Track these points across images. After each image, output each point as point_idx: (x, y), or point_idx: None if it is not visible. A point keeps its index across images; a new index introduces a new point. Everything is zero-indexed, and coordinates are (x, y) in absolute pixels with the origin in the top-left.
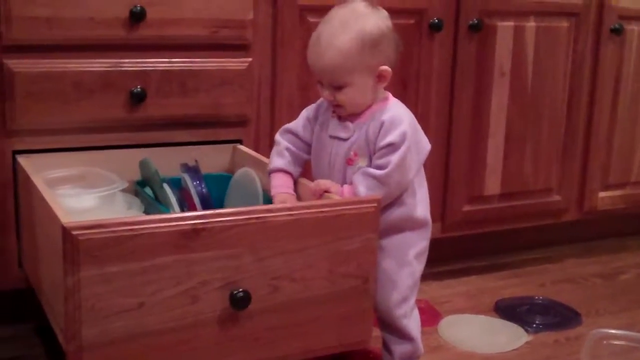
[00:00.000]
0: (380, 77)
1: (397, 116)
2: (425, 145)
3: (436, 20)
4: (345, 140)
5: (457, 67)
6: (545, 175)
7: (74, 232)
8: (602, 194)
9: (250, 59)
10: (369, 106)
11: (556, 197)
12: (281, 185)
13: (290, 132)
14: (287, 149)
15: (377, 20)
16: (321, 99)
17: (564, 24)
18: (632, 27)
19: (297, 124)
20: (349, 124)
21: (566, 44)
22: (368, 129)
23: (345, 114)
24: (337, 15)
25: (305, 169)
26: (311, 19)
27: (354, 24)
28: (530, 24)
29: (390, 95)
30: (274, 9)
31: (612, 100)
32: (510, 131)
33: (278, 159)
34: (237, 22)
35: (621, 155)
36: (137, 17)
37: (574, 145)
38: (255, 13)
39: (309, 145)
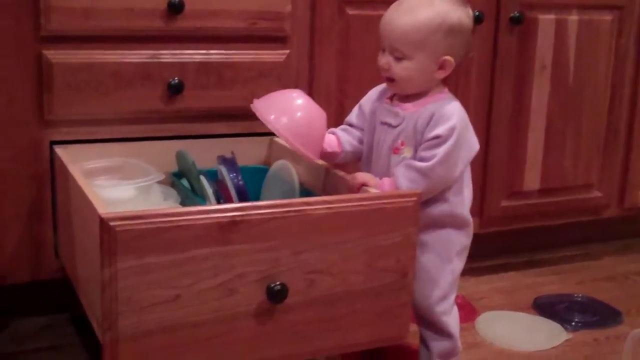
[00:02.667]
0: (442, 66)
1: (448, 111)
2: (475, 145)
3: (477, 13)
4: (394, 127)
5: (498, 60)
6: (585, 171)
7: (112, 223)
8: None
9: (287, 51)
10: (423, 95)
11: (596, 193)
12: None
13: (345, 123)
14: (340, 129)
15: (463, 14)
16: (377, 87)
17: (607, 17)
18: None
19: (351, 115)
20: (400, 111)
21: (609, 37)
22: (418, 118)
23: (396, 91)
24: None
25: (349, 164)
26: (350, 11)
27: (439, 5)
28: (573, 17)
29: (447, 91)
30: (312, 0)
31: None
32: (550, 126)
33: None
34: (275, 14)
35: None
36: (175, 8)
37: (615, 141)
38: (294, 5)
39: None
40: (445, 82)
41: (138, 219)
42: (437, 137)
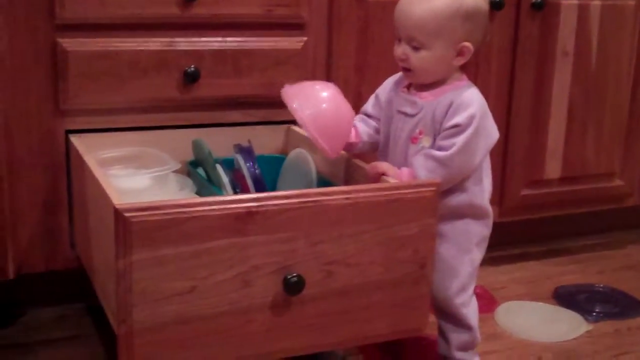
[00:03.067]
0: (460, 52)
1: (467, 98)
2: (494, 133)
3: None
4: (412, 116)
5: (519, 46)
6: (607, 159)
7: (126, 214)
8: None
9: (305, 39)
10: (442, 84)
11: (618, 182)
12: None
13: (362, 113)
14: (357, 120)
15: None
16: (393, 76)
17: (631, 2)
18: None
19: (367, 104)
20: (418, 100)
21: (632, 23)
22: (436, 107)
23: (414, 81)
24: None
25: (367, 154)
26: None
27: None
28: (595, 2)
29: (466, 78)
30: None
31: None
32: (572, 113)
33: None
34: (293, 0)
35: None
36: None
37: (638, 129)
38: None
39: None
40: (463, 68)
41: (153, 209)
42: (456, 125)
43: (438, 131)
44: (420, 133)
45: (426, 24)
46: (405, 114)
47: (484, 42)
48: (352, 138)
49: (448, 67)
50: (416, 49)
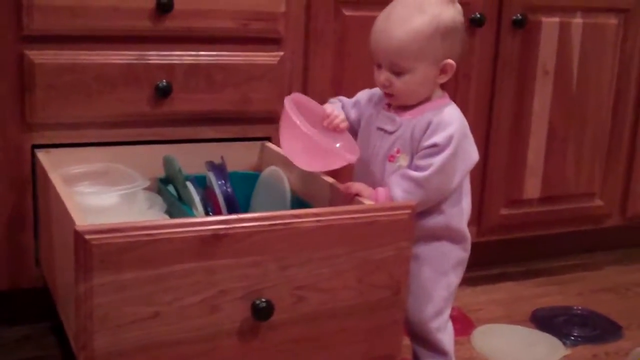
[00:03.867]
0: (443, 70)
1: (447, 118)
2: (474, 155)
3: (478, 15)
4: (390, 133)
5: (499, 64)
6: (587, 179)
7: (87, 236)
8: None
9: (281, 53)
10: (423, 103)
11: (598, 202)
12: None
13: (340, 101)
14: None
15: (454, 12)
16: (375, 89)
17: (613, 20)
18: None
19: (348, 100)
20: (397, 117)
21: (614, 42)
22: (415, 125)
23: (397, 104)
24: None
25: (341, 169)
26: (346, 12)
27: (430, 8)
28: (577, 20)
29: (447, 96)
30: (307, 1)
31: None
32: (552, 132)
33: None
34: (269, 14)
35: None
36: (164, 8)
37: (618, 149)
38: (288, 5)
39: (352, 127)
40: (443, 86)
41: (115, 232)
42: (434, 145)
43: (416, 150)
44: (397, 151)
45: (406, 48)
46: (384, 131)
47: (464, 55)
48: (351, 160)
49: (432, 86)
50: (398, 74)
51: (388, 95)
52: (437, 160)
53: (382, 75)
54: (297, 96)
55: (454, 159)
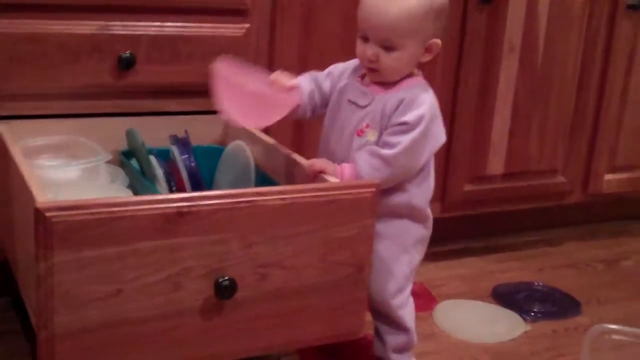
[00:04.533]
0: (428, 49)
1: (419, 97)
2: (441, 137)
3: None
4: (362, 107)
5: (465, 41)
6: (550, 156)
7: (48, 214)
8: (608, 177)
9: (247, 25)
10: (400, 80)
11: (561, 179)
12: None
13: (311, 75)
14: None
15: None
16: (350, 62)
17: None
18: None
19: (321, 73)
20: (370, 92)
21: (580, 18)
22: (387, 101)
23: (379, 80)
24: None
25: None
26: None
27: None
28: None
29: (421, 75)
30: None
31: (624, 80)
32: (517, 109)
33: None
34: None
35: (630, 137)
36: None
37: (582, 125)
38: None
39: (325, 98)
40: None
41: (77, 209)
42: (404, 123)
43: (385, 126)
44: (366, 126)
45: (401, 25)
46: (356, 105)
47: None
48: (293, 102)
49: (415, 64)
50: (388, 49)
51: (371, 70)
52: (406, 139)
53: (370, 50)
54: (231, 61)
55: (422, 139)
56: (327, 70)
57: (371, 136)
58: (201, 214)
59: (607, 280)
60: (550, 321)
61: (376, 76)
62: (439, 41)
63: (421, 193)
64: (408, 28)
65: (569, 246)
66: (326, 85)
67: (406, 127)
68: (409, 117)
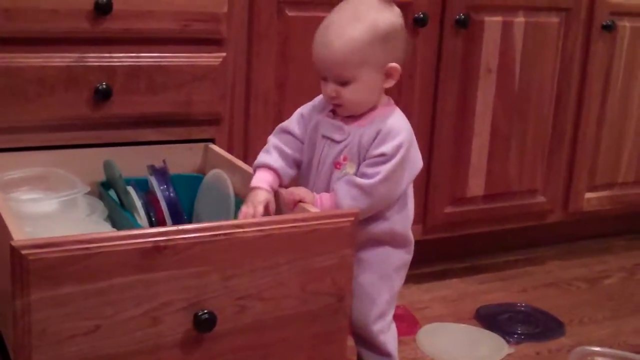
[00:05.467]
0: (388, 74)
1: (395, 127)
2: (418, 162)
3: (421, 15)
4: (338, 142)
5: (442, 63)
6: (530, 176)
7: (24, 252)
8: (588, 195)
9: (224, 54)
10: (370, 111)
11: (541, 198)
12: (259, 180)
13: (283, 130)
14: (276, 147)
15: (391, 16)
16: (318, 97)
17: (554, 19)
18: (624, 24)
19: (291, 121)
20: (345, 126)
21: (555, 40)
22: (363, 134)
23: (346, 114)
24: (348, 6)
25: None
26: (290, 13)
27: (366, 15)
28: (519, 19)
29: (392, 102)
30: (250, 1)
31: (600, 100)
32: (495, 130)
33: (263, 155)
34: (211, 15)
35: (609, 156)
36: (103, 9)
37: (560, 145)
38: (230, 6)
39: (300, 146)
40: (387, 90)
41: (52, 246)
42: (382, 154)
43: (363, 158)
44: (344, 159)
45: (347, 59)
46: (332, 140)
47: (407, 56)
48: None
49: (379, 92)
50: (344, 84)
51: (337, 105)
52: (384, 169)
53: (329, 88)
54: None
55: (400, 168)
56: (296, 113)
57: (349, 169)
58: (178, 248)
59: (589, 299)
60: (534, 343)
61: (343, 111)
62: (396, 65)
63: (402, 219)
64: (356, 59)
65: (551, 265)
66: (298, 131)
67: (384, 157)
68: (386, 148)
